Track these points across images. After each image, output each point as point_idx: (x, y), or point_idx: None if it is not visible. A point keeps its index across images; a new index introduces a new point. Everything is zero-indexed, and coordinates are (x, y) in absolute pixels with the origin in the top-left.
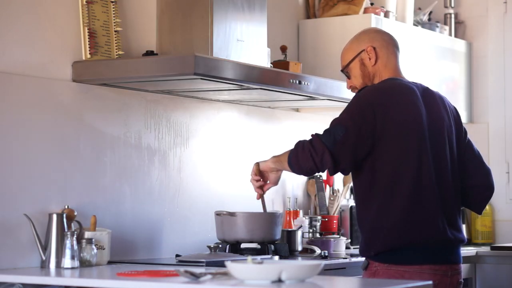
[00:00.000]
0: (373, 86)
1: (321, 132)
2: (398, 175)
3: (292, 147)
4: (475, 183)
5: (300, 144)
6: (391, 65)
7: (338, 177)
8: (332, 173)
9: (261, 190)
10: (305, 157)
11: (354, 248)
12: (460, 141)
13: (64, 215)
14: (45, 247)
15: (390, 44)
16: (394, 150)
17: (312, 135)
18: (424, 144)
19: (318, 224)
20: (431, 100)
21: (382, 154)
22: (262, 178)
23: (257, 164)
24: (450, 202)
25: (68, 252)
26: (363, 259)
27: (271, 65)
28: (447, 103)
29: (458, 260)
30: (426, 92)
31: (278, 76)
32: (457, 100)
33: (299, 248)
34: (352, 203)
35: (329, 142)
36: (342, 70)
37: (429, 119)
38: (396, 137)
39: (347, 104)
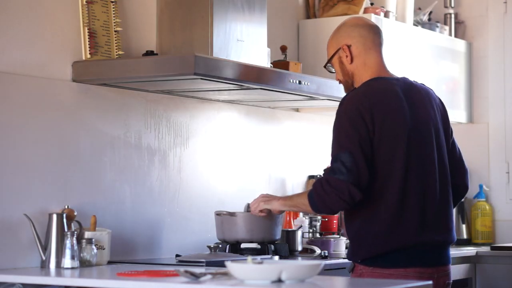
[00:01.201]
0: (355, 93)
1: (330, 165)
2: (384, 183)
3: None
4: (455, 182)
5: (319, 189)
6: (371, 62)
7: None
8: (361, 198)
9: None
10: (334, 201)
11: None
12: (447, 139)
13: (64, 215)
14: (45, 247)
15: (367, 39)
16: (380, 158)
17: (325, 176)
18: (411, 149)
19: (318, 224)
20: (417, 99)
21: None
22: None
23: (261, 204)
24: (438, 204)
25: (68, 252)
26: None
27: (271, 65)
28: (433, 98)
29: (446, 261)
30: (411, 89)
31: (278, 76)
32: (457, 100)
33: (299, 248)
34: None
35: (344, 175)
36: (325, 67)
37: (415, 121)
38: (383, 144)
39: (337, 103)
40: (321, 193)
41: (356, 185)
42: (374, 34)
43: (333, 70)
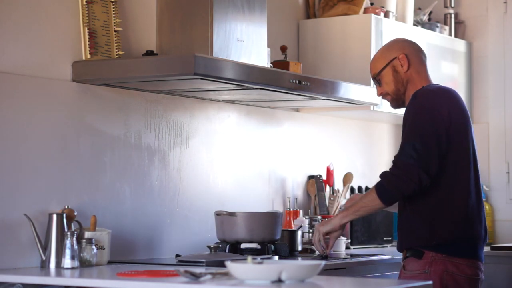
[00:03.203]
0: (427, 90)
1: (397, 152)
2: (457, 172)
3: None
4: None
5: (389, 175)
6: (423, 72)
7: (338, 177)
8: (428, 185)
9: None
10: (404, 183)
11: (354, 248)
12: None
13: (64, 215)
14: (45, 247)
15: (419, 52)
16: (453, 149)
17: (393, 160)
18: (472, 144)
19: None
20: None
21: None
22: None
23: (320, 228)
24: (483, 202)
25: (68, 252)
26: (366, 258)
27: (271, 65)
28: None
29: None
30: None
31: (278, 76)
32: None
33: (299, 248)
34: None
35: (414, 160)
36: (373, 78)
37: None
38: (457, 136)
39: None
40: (391, 178)
41: (425, 171)
42: (423, 51)
43: (378, 84)
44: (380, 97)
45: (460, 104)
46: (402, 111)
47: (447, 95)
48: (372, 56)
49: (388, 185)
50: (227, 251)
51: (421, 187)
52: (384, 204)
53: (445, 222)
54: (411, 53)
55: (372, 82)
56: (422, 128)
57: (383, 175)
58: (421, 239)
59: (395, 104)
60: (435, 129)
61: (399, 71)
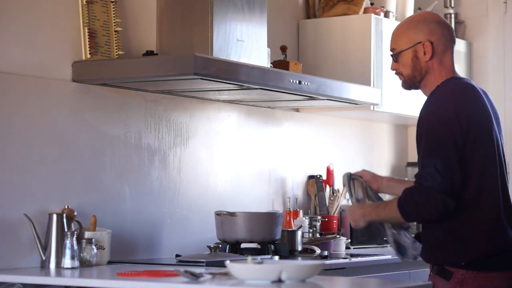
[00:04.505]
0: (445, 91)
1: (420, 170)
2: (482, 184)
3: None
4: None
5: (411, 200)
6: (447, 62)
7: (338, 177)
8: (454, 207)
9: None
10: (428, 212)
11: (354, 248)
12: None
13: (64, 215)
14: (45, 247)
15: (448, 38)
16: (476, 159)
17: (417, 184)
18: (498, 149)
19: (318, 224)
20: (489, 101)
21: (466, 164)
22: None
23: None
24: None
25: (68, 252)
26: (366, 258)
27: (271, 65)
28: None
29: None
30: (483, 92)
31: (278, 76)
32: None
33: (299, 248)
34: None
35: (438, 183)
36: (391, 53)
37: (495, 123)
38: (478, 145)
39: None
40: (413, 205)
41: (450, 194)
42: (451, 33)
43: (394, 59)
44: (393, 71)
45: (481, 103)
46: (402, 111)
47: (468, 93)
48: (372, 56)
49: (410, 211)
50: (227, 251)
51: (447, 212)
52: (407, 221)
53: (473, 237)
54: (439, 40)
55: (372, 81)
56: (440, 144)
57: (406, 196)
58: (448, 258)
59: (407, 87)
60: (453, 141)
61: (420, 58)
